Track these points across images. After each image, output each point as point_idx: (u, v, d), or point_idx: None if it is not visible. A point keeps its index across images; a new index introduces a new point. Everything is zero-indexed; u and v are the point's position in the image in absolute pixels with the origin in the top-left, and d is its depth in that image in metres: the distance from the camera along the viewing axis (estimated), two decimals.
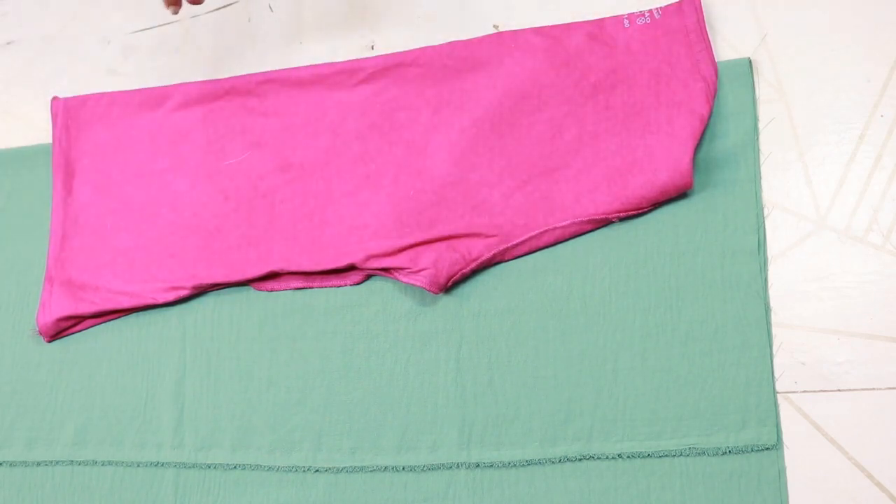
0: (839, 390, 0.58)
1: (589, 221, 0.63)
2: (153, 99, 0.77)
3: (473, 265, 0.64)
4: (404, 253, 0.65)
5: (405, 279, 0.66)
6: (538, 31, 0.68)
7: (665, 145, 0.62)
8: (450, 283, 0.65)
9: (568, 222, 0.63)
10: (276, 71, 0.74)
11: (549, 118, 0.66)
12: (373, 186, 0.69)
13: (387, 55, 0.72)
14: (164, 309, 0.73)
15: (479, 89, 0.68)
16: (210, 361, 0.71)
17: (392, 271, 0.67)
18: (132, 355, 0.73)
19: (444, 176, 0.66)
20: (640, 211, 0.62)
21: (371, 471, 0.65)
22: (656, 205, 0.62)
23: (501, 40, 0.69)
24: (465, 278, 0.66)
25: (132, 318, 0.74)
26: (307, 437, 0.67)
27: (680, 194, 0.62)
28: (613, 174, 0.63)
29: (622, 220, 0.63)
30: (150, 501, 0.69)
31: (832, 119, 0.62)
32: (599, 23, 0.67)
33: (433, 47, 0.70)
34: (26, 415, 0.74)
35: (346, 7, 0.76)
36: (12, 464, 0.73)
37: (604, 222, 0.63)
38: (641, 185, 0.61)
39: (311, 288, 0.70)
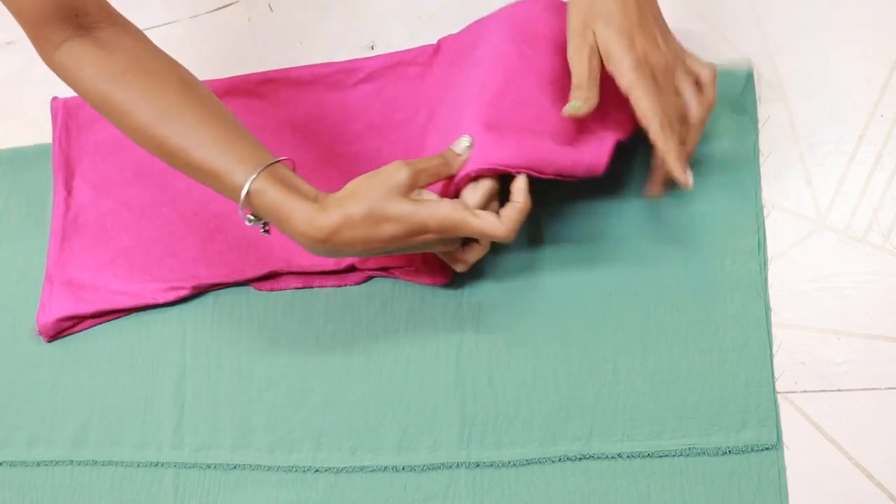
0: (839, 390, 0.58)
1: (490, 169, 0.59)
2: None
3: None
4: None
5: (406, 277, 0.66)
6: (502, 13, 0.66)
7: (594, 126, 0.60)
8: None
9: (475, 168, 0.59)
10: (276, 71, 0.74)
11: (510, 90, 0.63)
12: None
13: (385, 55, 0.72)
14: (164, 309, 0.73)
15: (469, 80, 0.67)
16: (210, 361, 0.71)
17: (392, 270, 0.67)
18: (132, 355, 0.73)
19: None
20: (540, 175, 0.58)
21: (371, 471, 0.65)
22: (560, 176, 0.59)
23: (479, 27, 0.67)
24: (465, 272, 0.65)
25: (132, 318, 0.74)
26: (307, 437, 0.67)
27: (589, 171, 0.59)
28: (532, 134, 0.60)
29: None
30: (149, 501, 0.69)
31: (832, 119, 0.62)
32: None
33: (431, 46, 0.70)
34: (26, 415, 0.74)
35: (346, 7, 0.76)
36: (12, 464, 0.73)
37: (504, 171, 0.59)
38: (556, 153, 0.59)
39: (311, 288, 0.70)
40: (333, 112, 0.72)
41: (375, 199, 0.55)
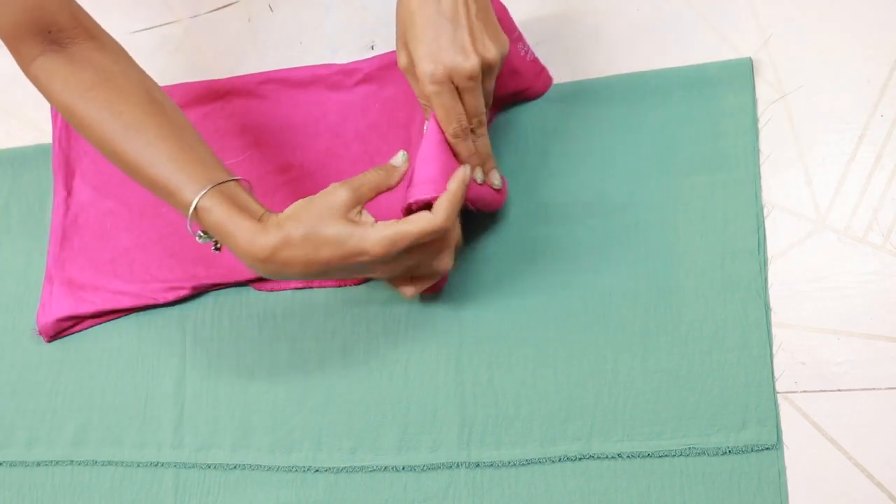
0: (839, 390, 0.58)
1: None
2: None
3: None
4: None
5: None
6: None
7: None
8: (443, 283, 0.65)
9: None
10: (276, 71, 0.74)
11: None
12: None
13: (384, 55, 0.72)
14: (164, 309, 0.73)
15: None
16: (210, 361, 0.71)
17: None
18: (132, 355, 0.73)
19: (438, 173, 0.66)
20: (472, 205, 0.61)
21: (371, 471, 0.65)
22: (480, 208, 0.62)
23: None
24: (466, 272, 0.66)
25: (132, 318, 0.74)
26: (307, 436, 0.67)
27: None
28: None
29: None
30: (149, 501, 0.69)
31: (832, 119, 0.62)
32: None
33: None
34: (26, 415, 0.74)
35: (346, 7, 0.76)
36: (12, 464, 0.73)
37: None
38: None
39: (311, 288, 0.70)
40: (333, 112, 0.72)
41: (314, 221, 0.55)
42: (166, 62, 0.80)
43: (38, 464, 0.73)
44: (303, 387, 0.68)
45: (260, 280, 0.71)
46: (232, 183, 0.59)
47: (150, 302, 0.72)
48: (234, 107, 0.75)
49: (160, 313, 0.73)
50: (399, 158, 0.60)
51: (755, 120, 0.63)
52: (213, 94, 0.75)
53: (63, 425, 0.73)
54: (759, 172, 0.62)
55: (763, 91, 0.64)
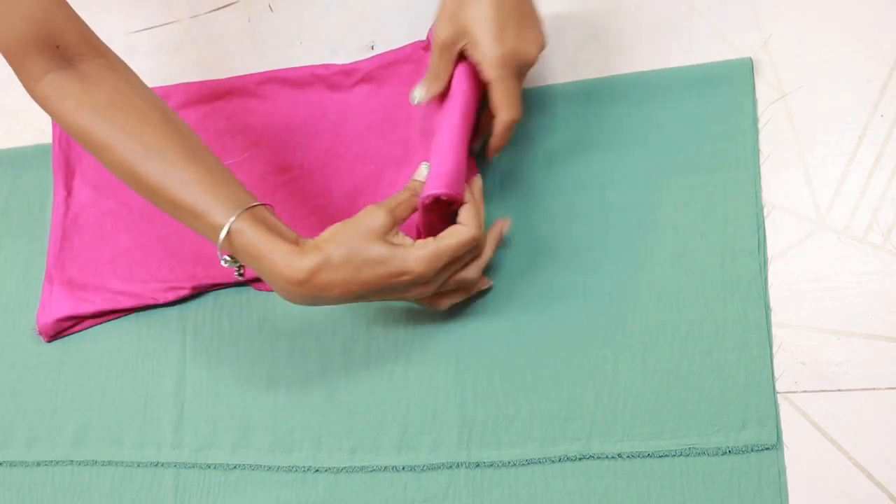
0: (839, 390, 0.58)
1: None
2: None
3: None
4: None
5: None
6: None
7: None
8: None
9: None
10: (275, 71, 0.74)
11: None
12: (373, 186, 0.69)
13: (382, 54, 0.72)
14: (164, 309, 0.73)
15: (459, 77, 0.67)
16: (210, 361, 0.71)
17: None
18: (132, 355, 0.73)
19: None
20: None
21: (371, 471, 0.65)
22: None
23: None
24: None
25: (132, 318, 0.74)
26: (307, 436, 0.67)
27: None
28: None
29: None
30: (149, 501, 0.69)
31: (832, 119, 0.62)
32: None
33: (422, 41, 0.70)
34: (26, 415, 0.74)
35: (346, 7, 0.76)
36: (12, 464, 0.73)
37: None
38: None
39: None
40: (333, 112, 0.72)
41: (354, 243, 0.55)
42: (166, 62, 0.80)
43: (38, 464, 0.73)
44: (303, 387, 0.68)
45: (260, 280, 0.70)
46: (261, 207, 0.58)
47: (150, 302, 0.72)
48: (234, 107, 0.75)
49: (160, 313, 0.73)
50: (423, 172, 0.60)
51: (755, 120, 0.63)
52: (213, 94, 0.75)
53: (63, 425, 0.73)
54: (759, 172, 0.62)
55: (763, 91, 0.64)
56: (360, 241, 0.55)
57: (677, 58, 0.66)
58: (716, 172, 0.63)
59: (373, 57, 0.72)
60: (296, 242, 0.56)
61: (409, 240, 0.57)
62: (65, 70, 0.60)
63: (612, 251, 0.63)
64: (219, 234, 0.56)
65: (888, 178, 0.60)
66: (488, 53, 0.57)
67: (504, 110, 0.59)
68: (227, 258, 0.58)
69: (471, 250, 0.59)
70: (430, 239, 0.57)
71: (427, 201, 0.58)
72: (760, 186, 0.62)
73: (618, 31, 0.68)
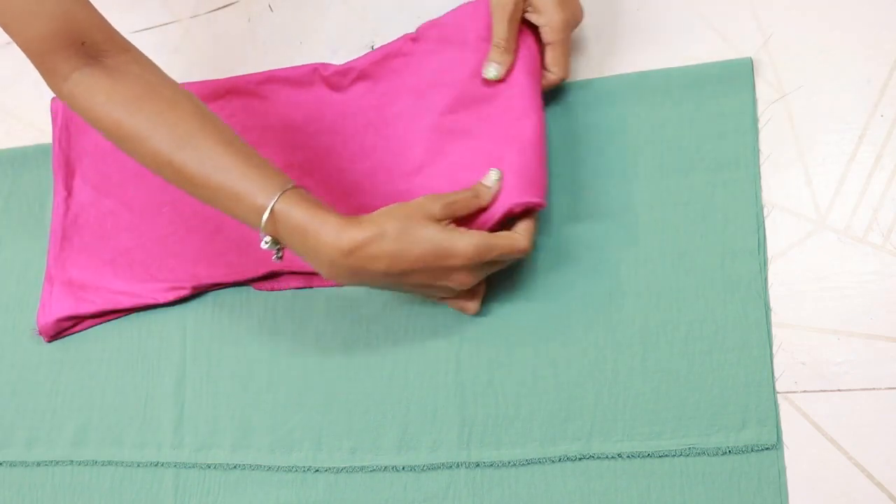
0: (839, 390, 0.58)
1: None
2: None
3: None
4: None
5: None
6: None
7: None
8: None
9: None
10: (275, 70, 0.74)
11: (509, 94, 0.65)
12: (371, 184, 0.69)
13: (376, 50, 0.71)
14: (164, 309, 0.73)
15: (452, 68, 0.67)
16: (210, 361, 0.71)
17: None
18: (132, 355, 0.73)
19: (430, 166, 0.66)
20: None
21: (371, 471, 0.65)
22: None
23: (465, 13, 0.67)
24: None
25: (132, 318, 0.74)
26: (307, 436, 0.67)
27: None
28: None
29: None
30: (149, 501, 0.69)
31: (832, 119, 0.62)
32: None
33: (412, 34, 0.70)
34: (26, 415, 0.74)
35: (346, 7, 0.76)
36: (12, 464, 0.73)
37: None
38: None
39: (311, 288, 0.70)
40: (332, 111, 0.72)
41: (409, 221, 0.56)
42: (166, 62, 0.79)
43: (38, 464, 0.73)
44: (303, 386, 0.68)
45: (260, 280, 0.71)
46: (303, 189, 0.59)
47: (151, 302, 0.72)
48: (234, 107, 0.75)
49: (160, 313, 0.73)
50: (492, 178, 0.61)
51: (755, 120, 0.63)
52: (213, 94, 0.75)
53: (63, 425, 0.73)
54: (759, 172, 0.62)
55: (763, 91, 0.64)
56: (416, 220, 0.57)
57: (677, 58, 0.66)
58: (716, 172, 0.63)
59: (366, 54, 0.72)
60: (345, 219, 0.57)
61: (462, 229, 0.58)
62: (91, 67, 0.61)
63: (612, 251, 0.63)
64: (261, 216, 0.57)
65: (888, 178, 0.60)
66: (553, 17, 0.61)
67: (559, 69, 0.63)
68: (268, 240, 0.58)
69: (511, 260, 0.60)
70: (484, 232, 0.58)
71: (518, 209, 0.60)
72: (760, 186, 0.62)
73: (618, 31, 0.68)
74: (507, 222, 0.62)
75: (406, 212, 0.57)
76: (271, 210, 0.56)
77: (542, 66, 0.64)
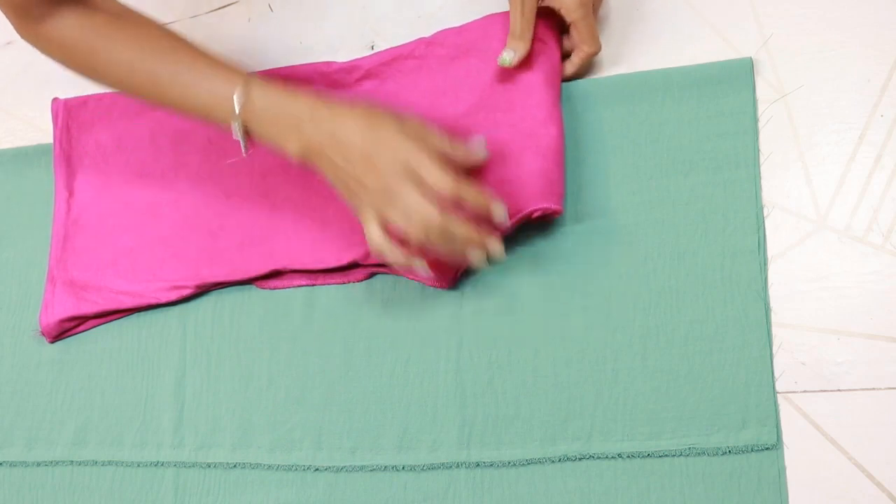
0: (839, 390, 0.58)
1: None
2: None
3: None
4: None
5: (409, 275, 0.66)
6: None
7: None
8: (458, 276, 0.65)
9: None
10: (276, 69, 0.74)
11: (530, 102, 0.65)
12: None
13: (383, 51, 0.72)
14: (165, 309, 0.73)
15: (472, 75, 0.68)
16: (210, 361, 0.71)
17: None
18: (132, 355, 0.73)
19: None
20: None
21: (371, 470, 0.65)
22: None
23: (490, 23, 0.68)
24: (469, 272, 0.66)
25: (132, 318, 0.74)
26: (307, 436, 0.67)
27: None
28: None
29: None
30: (150, 501, 0.69)
31: (832, 119, 0.62)
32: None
33: (428, 38, 0.70)
34: (26, 415, 0.74)
35: (346, 7, 0.76)
36: (12, 464, 0.73)
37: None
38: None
39: (312, 287, 0.70)
40: None
41: (406, 117, 0.60)
42: None
43: (38, 464, 0.73)
44: (303, 386, 0.68)
45: (262, 278, 0.71)
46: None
47: (154, 301, 0.72)
48: None
49: (161, 313, 0.73)
50: (478, 146, 0.61)
51: (755, 120, 0.63)
52: None
53: (63, 425, 0.73)
54: (759, 172, 0.62)
55: (763, 91, 0.64)
56: (409, 118, 0.60)
57: (677, 58, 0.66)
58: (716, 172, 0.63)
59: (374, 54, 0.72)
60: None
61: None
62: (66, 8, 0.63)
63: (612, 251, 0.63)
64: (234, 101, 0.60)
65: (888, 178, 0.60)
66: None
67: (588, 45, 0.65)
68: (239, 126, 0.61)
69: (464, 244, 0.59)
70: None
71: (536, 214, 0.61)
72: (760, 186, 0.62)
73: (618, 31, 0.68)
74: (520, 227, 0.62)
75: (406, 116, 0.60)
76: (245, 85, 0.60)
77: (571, 48, 0.66)
